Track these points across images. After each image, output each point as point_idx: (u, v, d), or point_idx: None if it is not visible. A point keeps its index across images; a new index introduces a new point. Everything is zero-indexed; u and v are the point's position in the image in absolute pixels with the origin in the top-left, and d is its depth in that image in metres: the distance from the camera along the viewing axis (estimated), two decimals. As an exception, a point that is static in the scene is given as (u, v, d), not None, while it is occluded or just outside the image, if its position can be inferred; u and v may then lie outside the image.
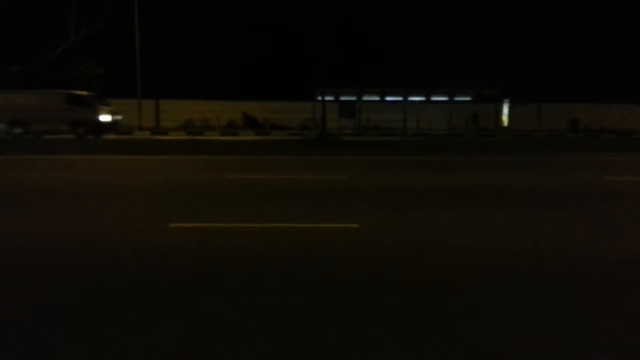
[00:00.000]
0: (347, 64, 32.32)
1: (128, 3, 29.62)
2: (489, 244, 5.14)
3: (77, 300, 3.59)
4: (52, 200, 7.40)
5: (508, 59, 33.24)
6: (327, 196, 7.88)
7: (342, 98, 32.45)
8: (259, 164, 12.59)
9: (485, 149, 17.86)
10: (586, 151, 16.65)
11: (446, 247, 5.03)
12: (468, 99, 32.24)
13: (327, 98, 32.74)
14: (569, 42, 34.36)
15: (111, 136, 25.68)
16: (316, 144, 19.76)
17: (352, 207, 6.97)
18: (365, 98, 32.38)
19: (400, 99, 32.25)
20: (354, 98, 32.30)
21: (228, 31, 36.51)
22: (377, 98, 32.60)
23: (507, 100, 30.44)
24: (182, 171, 10.98)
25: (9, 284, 3.95)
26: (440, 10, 33.62)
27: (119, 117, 26.80)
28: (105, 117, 25.14)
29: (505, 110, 30.64)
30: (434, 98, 32.43)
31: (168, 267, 4.34)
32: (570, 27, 34.55)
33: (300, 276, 4.14)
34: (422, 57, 32.78)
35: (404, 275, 4.15)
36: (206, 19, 34.51)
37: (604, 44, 34.61)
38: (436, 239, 5.31)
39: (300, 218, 6.19)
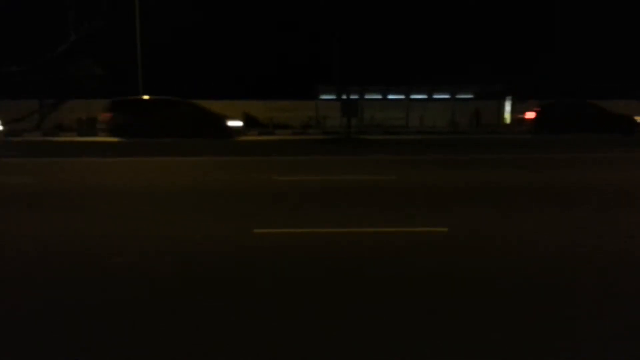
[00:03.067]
0: (349, 62, 32.06)
1: (128, 1, 29.11)
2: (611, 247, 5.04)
3: (180, 314, 3.42)
4: (131, 202, 7.16)
5: (508, 56, 33.37)
6: (390, 198, 7.75)
7: (344, 96, 32.33)
8: (298, 165, 12.40)
9: (517, 145, 17.64)
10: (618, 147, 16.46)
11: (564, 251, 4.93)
12: (470, 96, 32.38)
13: (329, 97, 32.74)
14: (567, 40, 34.61)
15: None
16: (342, 143, 19.34)
17: (426, 209, 6.85)
18: (367, 96, 32.33)
19: (402, 97, 32.27)
20: (356, 96, 32.18)
21: (227, 29, 36.15)
22: (379, 96, 32.58)
23: (510, 97, 30.60)
24: (224, 173, 10.77)
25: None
26: (441, 8, 33.62)
27: None
28: None
29: (508, 107, 30.79)
30: (435, 96, 32.52)
31: (287, 276, 4.18)
32: (568, 26, 34.81)
33: (416, 281, 4.02)
34: (423, 55, 32.74)
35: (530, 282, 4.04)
36: (204, 16, 33.99)
37: (598, 43, 34.93)
38: (539, 242, 5.20)
39: (381, 222, 6.06)
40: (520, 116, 25.17)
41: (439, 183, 9.12)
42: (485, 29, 32.92)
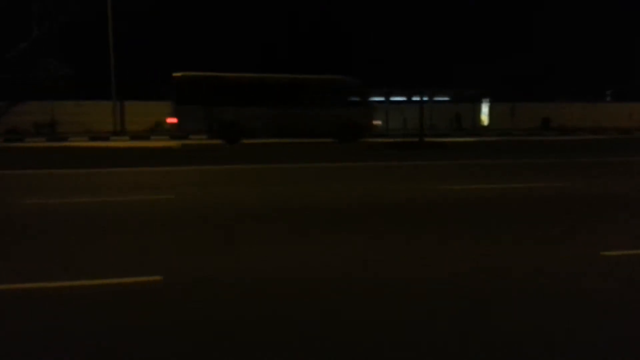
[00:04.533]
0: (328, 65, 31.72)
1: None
2: None
3: None
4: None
5: (484, 58, 34.56)
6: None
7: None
8: (426, 172, 11.86)
9: (563, 150, 18.10)
10: None
11: None
12: (447, 99, 33.15)
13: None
14: (539, 45, 36.35)
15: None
16: (420, 148, 18.34)
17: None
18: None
19: (382, 99, 32.34)
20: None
21: (206, 25, 34.36)
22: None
23: (487, 99, 31.70)
24: (366, 182, 9.99)
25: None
26: (416, 12, 34.12)
27: None
28: None
29: (485, 109, 31.87)
30: (414, 98, 32.94)
31: None
32: (540, 30, 36.55)
33: None
34: (401, 58, 33.08)
35: None
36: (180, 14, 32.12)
37: (565, 49, 37.09)
38: None
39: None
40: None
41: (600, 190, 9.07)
42: (460, 33, 33.82)
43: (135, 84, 29.96)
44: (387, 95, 31.94)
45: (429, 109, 32.40)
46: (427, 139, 19.92)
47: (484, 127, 31.58)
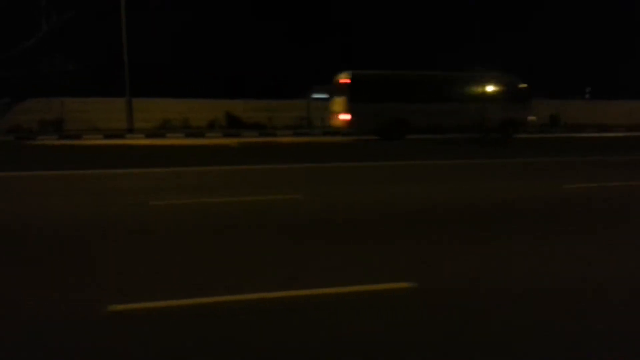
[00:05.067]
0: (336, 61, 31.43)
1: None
2: None
3: None
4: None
5: (495, 55, 34.62)
6: None
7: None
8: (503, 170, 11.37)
9: (608, 147, 17.83)
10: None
11: None
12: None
13: (321, 96, 31.74)
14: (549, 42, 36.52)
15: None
16: (490, 145, 18.08)
17: None
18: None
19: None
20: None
21: (210, 24, 33.68)
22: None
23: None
24: (461, 181, 9.59)
25: None
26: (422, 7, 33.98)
27: None
28: None
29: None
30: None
31: None
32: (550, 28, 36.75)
33: None
34: (407, 55, 32.97)
35: None
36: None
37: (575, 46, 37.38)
38: None
39: None
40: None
41: None
42: (468, 28, 33.79)
43: (140, 81, 29.15)
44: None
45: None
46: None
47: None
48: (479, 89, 21.33)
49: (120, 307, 3.39)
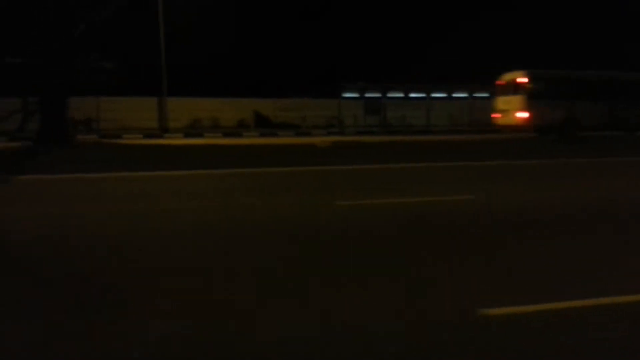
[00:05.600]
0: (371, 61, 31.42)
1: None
2: None
3: None
4: None
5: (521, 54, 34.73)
6: None
7: (368, 95, 31.61)
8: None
9: None
10: None
11: None
12: (486, 95, 33.32)
13: (351, 95, 31.74)
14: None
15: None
16: (564, 143, 18.37)
17: None
18: (389, 95, 31.90)
19: (423, 95, 32.29)
20: (378, 95, 31.58)
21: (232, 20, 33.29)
22: (401, 95, 32.27)
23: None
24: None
25: None
26: (455, 7, 34.08)
27: None
28: None
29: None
30: (454, 95, 33.05)
31: None
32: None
33: None
34: (442, 54, 33.04)
35: None
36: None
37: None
38: None
39: None
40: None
41: None
42: (497, 29, 33.94)
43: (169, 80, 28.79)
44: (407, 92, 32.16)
45: (470, 105, 32.62)
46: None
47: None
48: None
49: (492, 311, 3.30)
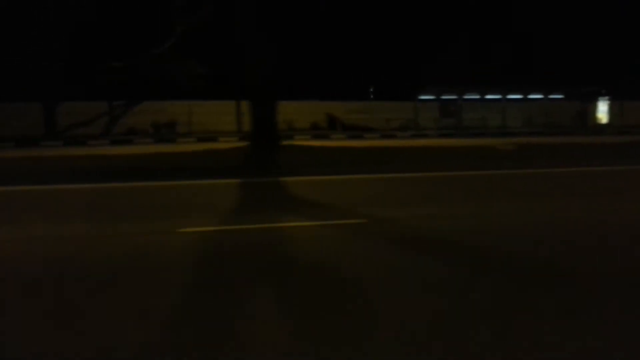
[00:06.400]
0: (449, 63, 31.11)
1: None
2: None
3: None
4: None
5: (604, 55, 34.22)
6: None
7: (444, 97, 31.23)
8: None
9: None
10: None
11: None
12: (560, 96, 32.95)
13: (427, 97, 31.40)
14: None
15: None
16: None
17: None
18: (465, 97, 31.51)
19: (499, 97, 31.87)
20: (454, 97, 31.21)
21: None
22: (477, 97, 31.89)
23: (606, 97, 31.63)
24: None
25: None
26: (529, 9, 33.70)
27: None
28: None
29: (604, 107, 31.78)
30: (530, 96, 32.64)
31: None
32: None
33: None
34: (518, 56, 32.67)
35: None
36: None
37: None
38: None
39: None
40: None
41: None
42: (577, 29, 33.46)
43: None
44: (483, 94, 31.67)
45: (547, 106, 32.16)
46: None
47: (602, 125, 31.44)
48: None
49: None
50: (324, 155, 12.74)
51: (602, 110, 31.81)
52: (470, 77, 31.07)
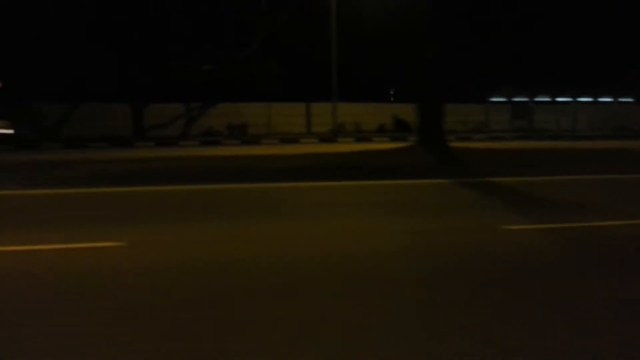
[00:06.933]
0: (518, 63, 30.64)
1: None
2: None
3: None
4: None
5: None
6: None
7: (515, 99, 30.87)
8: None
9: None
10: None
11: None
12: (630, 99, 32.43)
13: (498, 99, 31.05)
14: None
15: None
16: None
17: None
18: (536, 99, 31.14)
19: (569, 99, 31.44)
20: (525, 99, 30.83)
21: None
22: (547, 99, 31.50)
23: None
24: None
25: None
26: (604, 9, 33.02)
27: None
28: None
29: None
30: (600, 99, 32.17)
31: None
32: None
33: None
34: (588, 57, 32.08)
35: None
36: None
37: None
38: None
39: None
40: None
41: None
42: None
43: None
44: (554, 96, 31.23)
45: (616, 109, 31.68)
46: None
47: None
48: None
49: None
50: (488, 156, 12.42)
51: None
52: (541, 78, 30.51)
